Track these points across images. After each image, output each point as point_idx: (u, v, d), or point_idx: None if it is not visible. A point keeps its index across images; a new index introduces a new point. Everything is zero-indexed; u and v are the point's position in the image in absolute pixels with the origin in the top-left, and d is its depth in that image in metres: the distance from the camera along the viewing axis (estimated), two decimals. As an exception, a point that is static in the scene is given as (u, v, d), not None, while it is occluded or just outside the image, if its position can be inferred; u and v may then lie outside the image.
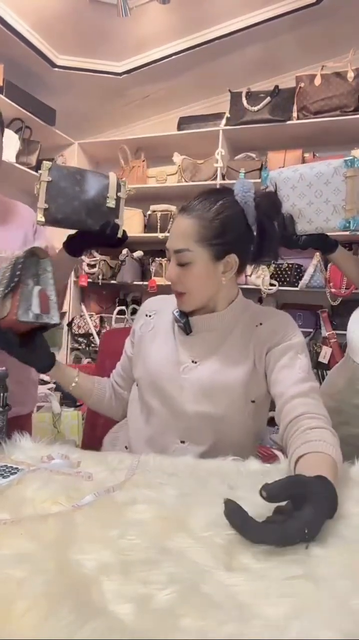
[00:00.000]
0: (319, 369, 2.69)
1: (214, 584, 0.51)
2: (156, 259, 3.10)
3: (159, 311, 1.15)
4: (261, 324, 1.04)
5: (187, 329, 1.04)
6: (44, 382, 2.41)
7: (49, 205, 1.07)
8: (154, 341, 1.10)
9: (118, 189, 1.11)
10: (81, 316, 3.34)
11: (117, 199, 1.11)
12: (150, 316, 1.15)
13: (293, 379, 0.94)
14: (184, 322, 1.04)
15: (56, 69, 2.79)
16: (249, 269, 2.77)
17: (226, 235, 0.98)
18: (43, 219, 1.09)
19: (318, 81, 2.59)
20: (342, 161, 1.10)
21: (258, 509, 0.68)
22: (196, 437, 1.00)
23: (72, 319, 3.31)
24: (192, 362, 1.02)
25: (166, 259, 2.92)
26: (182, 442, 1.00)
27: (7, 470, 0.79)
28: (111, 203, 1.09)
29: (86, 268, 3.26)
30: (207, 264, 0.98)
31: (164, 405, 1.02)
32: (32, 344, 1.03)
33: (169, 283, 1.04)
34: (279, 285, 2.75)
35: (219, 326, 1.04)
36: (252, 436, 1.08)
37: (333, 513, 0.63)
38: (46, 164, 1.09)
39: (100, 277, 3.17)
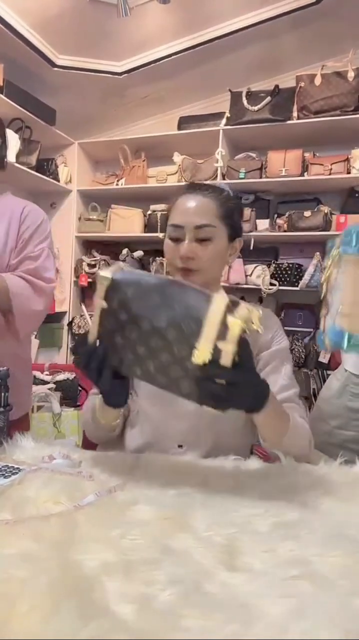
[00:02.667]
0: (320, 368, 2.69)
1: (216, 584, 0.51)
2: (156, 258, 3.10)
3: None
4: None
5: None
6: (44, 382, 2.41)
7: (102, 341, 0.79)
8: None
9: (222, 334, 0.68)
10: (81, 316, 3.34)
11: (216, 352, 0.68)
12: None
13: (279, 384, 1.00)
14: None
15: (56, 69, 2.79)
16: (249, 268, 2.79)
17: (238, 217, 1.05)
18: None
19: (318, 81, 2.59)
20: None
21: (259, 508, 0.68)
22: (194, 440, 0.99)
23: (72, 319, 3.31)
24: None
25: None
26: (180, 446, 1.00)
27: (8, 470, 0.79)
28: (225, 359, 0.68)
29: (86, 268, 3.26)
30: (225, 241, 1.02)
31: (164, 409, 1.02)
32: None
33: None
34: (279, 285, 2.75)
35: None
36: (250, 435, 1.08)
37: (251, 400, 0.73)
38: (103, 277, 0.75)
39: (100, 277, 3.17)
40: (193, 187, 1.03)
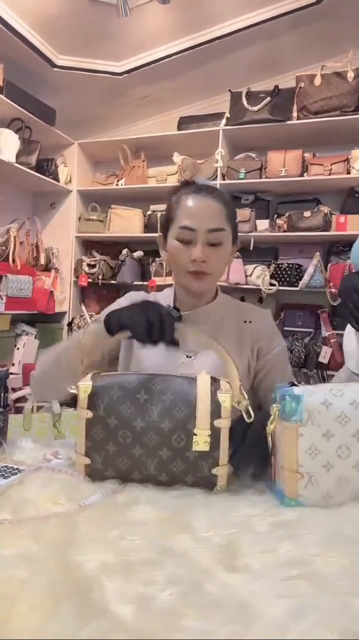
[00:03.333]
0: (319, 369, 2.69)
1: (215, 584, 0.51)
2: (156, 259, 3.10)
3: None
4: (250, 321, 1.08)
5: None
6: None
7: (92, 457, 0.75)
8: (146, 344, 1.07)
9: (216, 413, 0.71)
10: (81, 316, 3.34)
11: (215, 433, 0.71)
12: None
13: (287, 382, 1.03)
14: (178, 317, 1.03)
15: (56, 69, 2.79)
16: (249, 269, 2.79)
17: (236, 219, 1.07)
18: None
19: (318, 81, 2.60)
20: None
21: (258, 508, 0.68)
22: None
23: (72, 319, 3.31)
24: (187, 356, 1.03)
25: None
26: None
27: (8, 470, 0.79)
28: (201, 447, 0.70)
29: (86, 268, 3.26)
30: (231, 244, 1.04)
31: None
32: None
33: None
34: (279, 285, 2.75)
35: (209, 319, 1.05)
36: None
37: None
38: (84, 386, 0.75)
39: (100, 277, 3.17)
40: (199, 189, 1.02)
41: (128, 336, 0.83)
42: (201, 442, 0.70)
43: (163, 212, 1.13)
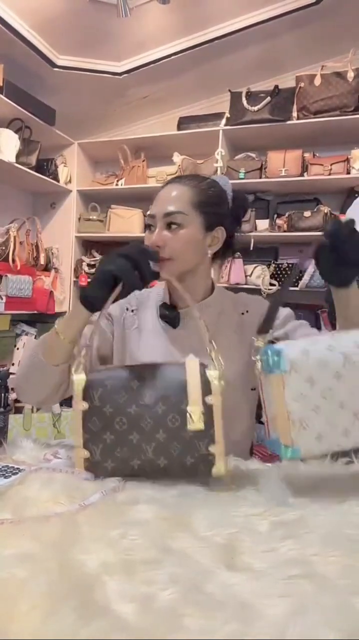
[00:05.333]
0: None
1: (216, 584, 0.51)
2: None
3: (140, 307, 1.10)
4: (247, 311, 1.07)
5: (175, 323, 1.03)
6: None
7: (91, 449, 0.76)
8: (141, 339, 1.06)
9: (206, 390, 0.73)
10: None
11: (208, 410, 0.73)
12: (132, 311, 1.10)
13: (311, 333, 1.06)
14: (174, 315, 1.03)
15: (56, 69, 2.79)
16: (249, 269, 2.79)
17: (219, 206, 1.03)
18: (83, 472, 0.76)
19: (317, 81, 2.60)
20: None
21: (259, 508, 0.68)
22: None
23: (72, 319, 3.30)
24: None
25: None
26: None
27: (8, 470, 0.79)
28: (196, 424, 0.72)
29: (86, 268, 3.26)
30: (199, 230, 1.00)
31: None
32: None
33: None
34: (279, 285, 2.75)
35: (206, 314, 1.03)
36: (251, 431, 1.09)
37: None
38: (78, 379, 0.76)
39: (100, 277, 3.17)
40: (174, 180, 1.04)
41: (119, 292, 0.81)
42: (195, 419, 0.72)
43: None
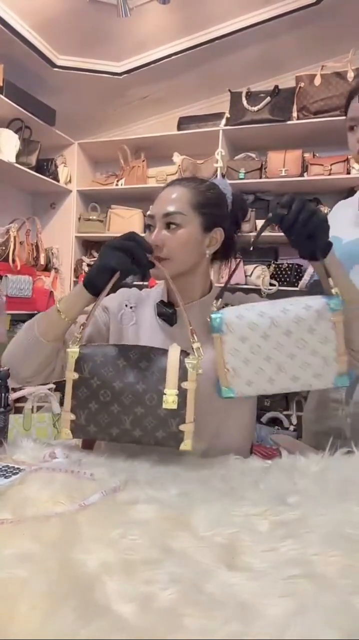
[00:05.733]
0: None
1: (216, 583, 0.51)
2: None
3: (139, 304, 1.11)
4: None
5: (172, 320, 1.04)
6: (43, 383, 2.40)
7: (77, 413, 0.85)
8: (138, 336, 1.07)
9: (183, 376, 0.83)
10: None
11: (182, 393, 0.82)
12: (131, 308, 1.10)
13: None
14: (171, 313, 1.03)
15: (56, 69, 2.79)
16: (249, 269, 2.79)
17: (218, 208, 1.05)
18: (70, 435, 0.86)
19: (317, 81, 2.60)
20: (324, 303, 0.88)
21: (259, 507, 0.68)
22: (197, 428, 0.99)
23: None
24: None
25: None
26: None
27: (8, 470, 0.79)
28: (169, 404, 0.82)
29: (86, 268, 3.26)
30: (197, 230, 1.01)
31: None
32: None
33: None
34: (279, 285, 2.75)
35: (201, 313, 1.04)
36: (251, 429, 1.09)
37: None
38: (72, 351, 0.85)
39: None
40: (174, 182, 1.05)
41: (116, 278, 0.89)
42: (169, 400, 0.82)
43: None
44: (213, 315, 0.91)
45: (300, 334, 0.88)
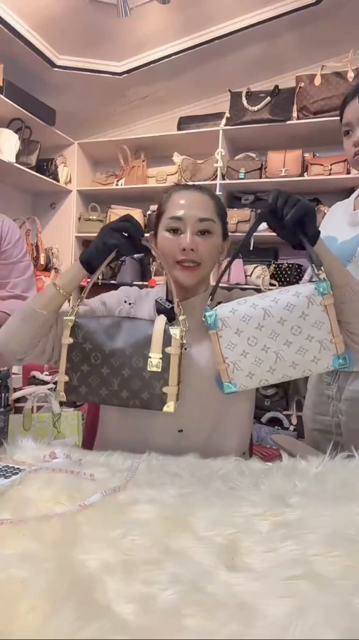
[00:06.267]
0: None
1: (217, 584, 0.51)
2: (156, 259, 3.10)
3: (137, 302, 1.12)
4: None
5: (171, 316, 1.04)
6: (44, 383, 2.41)
7: (70, 375, 0.93)
8: None
9: (167, 342, 0.89)
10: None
11: (166, 358, 0.88)
12: (130, 304, 1.12)
13: None
14: (169, 308, 1.04)
15: (56, 69, 2.79)
16: (249, 269, 2.79)
17: (226, 218, 1.09)
18: (64, 396, 0.94)
19: (318, 81, 2.60)
20: (313, 288, 0.90)
21: (260, 508, 0.68)
22: (195, 425, 1.00)
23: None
24: (184, 349, 1.03)
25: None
26: (180, 431, 1.00)
27: (8, 470, 0.79)
28: (153, 367, 0.88)
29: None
30: (220, 239, 1.06)
31: None
32: None
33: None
34: (279, 285, 2.75)
35: (201, 309, 1.04)
36: (248, 422, 1.09)
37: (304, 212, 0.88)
38: (68, 319, 0.93)
39: (100, 277, 3.17)
40: (188, 186, 1.06)
41: (113, 257, 0.94)
42: (154, 363, 0.88)
43: (153, 212, 1.15)
44: (207, 313, 0.94)
45: (293, 321, 0.90)
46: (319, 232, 0.93)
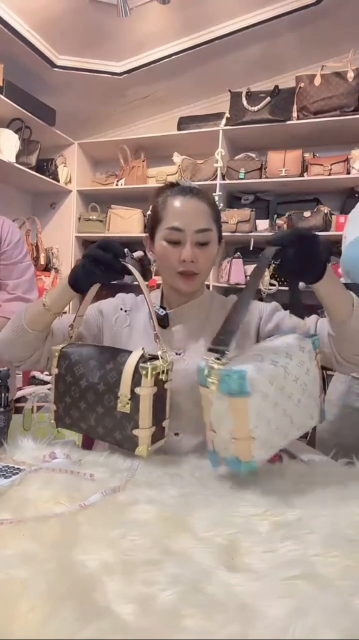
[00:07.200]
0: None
1: (216, 584, 0.51)
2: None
3: (133, 309, 1.13)
4: None
5: (165, 323, 1.05)
6: (44, 382, 2.41)
7: (57, 405, 0.94)
8: (131, 338, 1.08)
9: (136, 382, 0.82)
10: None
11: (135, 398, 0.82)
12: (126, 311, 1.12)
13: (296, 321, 1.01)
14: (164, 315, 1.04)
15: (56, 69, 2.79)
16: (249, 269, 2.78)
17: (221, 221, 1.08)
18: (55, 423, 0.96)
19: (317, 81, 2.60)
20: (311, 343, 0.86)
21: (260, 508, 0.68)
22: (191, 428, 0.99)
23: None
24: (176, 354, 1.03)
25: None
26: (177, 434, 1.00)
27: (8, 470, 0.79)
28: (122, 407, 0.83)
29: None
30: (217, 244, 1.05)
31: None
32: None
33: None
34: (279, 285, 2.73)
35: (195, 315, 1.06)
36: None
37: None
38: (54, 349, 0.93)
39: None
40: (184, 190, 1.03)
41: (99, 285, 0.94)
42: (122, 403, 0.83)
43: (149, 213, 1.13)
44: (233, 374, 0.71)
45: (303, 378, 0.81)
46: (324, 266, 0.83)
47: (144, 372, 0.82)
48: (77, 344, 0.96)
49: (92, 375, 0.88)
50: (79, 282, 0.94)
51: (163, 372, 0.84)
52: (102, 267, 0.89)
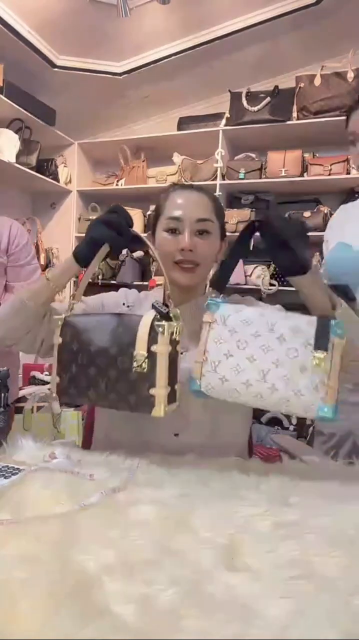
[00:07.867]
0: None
1: (216, 584, 0.51)
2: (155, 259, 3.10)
3: (136, 305, 1.12)
4: None
5: (168, 319, 1.04)
6: (44, 383, 2.41)
7: (61, 376, 0.89)
8: None
9: (152, 339, 0.80)
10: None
11: (152, 356, 0.80)
12: (128, 307, 1.12)
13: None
14: (166, 312, 1.04)
15: (56, 69, 2.79)
16: (249, 269, 2.79)
17: (224, 218, 1.08)
18: (57, 398, 0.90)
19: (317, 81, 2.60)
20: (331, 324, 0.81)
21: (260, 508, 0.68)
22: (192, 427, 0.99)
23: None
24: (179, 353, 1.03)
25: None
26: (176, 435, 0.99)
27: (8, 470, 0.79)
28: (140, 366, 0.80)
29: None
30: (218, 238, 1.05)
31: None
32: None
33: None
34: (279, 285, 2.75)
35: (198, 314, 1.04)
36: (247, 422, 1.09)
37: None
38: (57, 318, 0.91)
39: (100, 277, 3.17)
40: (186, 186, 1.06)
41: (107, 251, 0.91)
42: (139, 362, 0.80)
43: (152, 212, 1.13)
44: (211, 301, 0.85)
45: (293, 343, 0.78)
46: (309, 263, 0.86)
47: (160, 329, 0.80)
48: (79, 314, 0.93)
49: (102, 340, 0.84)
50: (83, 252, 0.91)
51: (176, 332, 0.83)
52: (114, 232, 0.88)
